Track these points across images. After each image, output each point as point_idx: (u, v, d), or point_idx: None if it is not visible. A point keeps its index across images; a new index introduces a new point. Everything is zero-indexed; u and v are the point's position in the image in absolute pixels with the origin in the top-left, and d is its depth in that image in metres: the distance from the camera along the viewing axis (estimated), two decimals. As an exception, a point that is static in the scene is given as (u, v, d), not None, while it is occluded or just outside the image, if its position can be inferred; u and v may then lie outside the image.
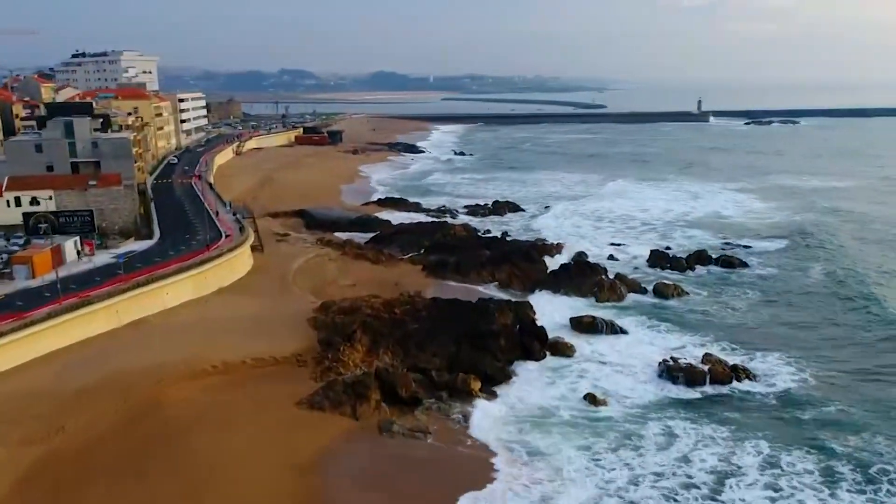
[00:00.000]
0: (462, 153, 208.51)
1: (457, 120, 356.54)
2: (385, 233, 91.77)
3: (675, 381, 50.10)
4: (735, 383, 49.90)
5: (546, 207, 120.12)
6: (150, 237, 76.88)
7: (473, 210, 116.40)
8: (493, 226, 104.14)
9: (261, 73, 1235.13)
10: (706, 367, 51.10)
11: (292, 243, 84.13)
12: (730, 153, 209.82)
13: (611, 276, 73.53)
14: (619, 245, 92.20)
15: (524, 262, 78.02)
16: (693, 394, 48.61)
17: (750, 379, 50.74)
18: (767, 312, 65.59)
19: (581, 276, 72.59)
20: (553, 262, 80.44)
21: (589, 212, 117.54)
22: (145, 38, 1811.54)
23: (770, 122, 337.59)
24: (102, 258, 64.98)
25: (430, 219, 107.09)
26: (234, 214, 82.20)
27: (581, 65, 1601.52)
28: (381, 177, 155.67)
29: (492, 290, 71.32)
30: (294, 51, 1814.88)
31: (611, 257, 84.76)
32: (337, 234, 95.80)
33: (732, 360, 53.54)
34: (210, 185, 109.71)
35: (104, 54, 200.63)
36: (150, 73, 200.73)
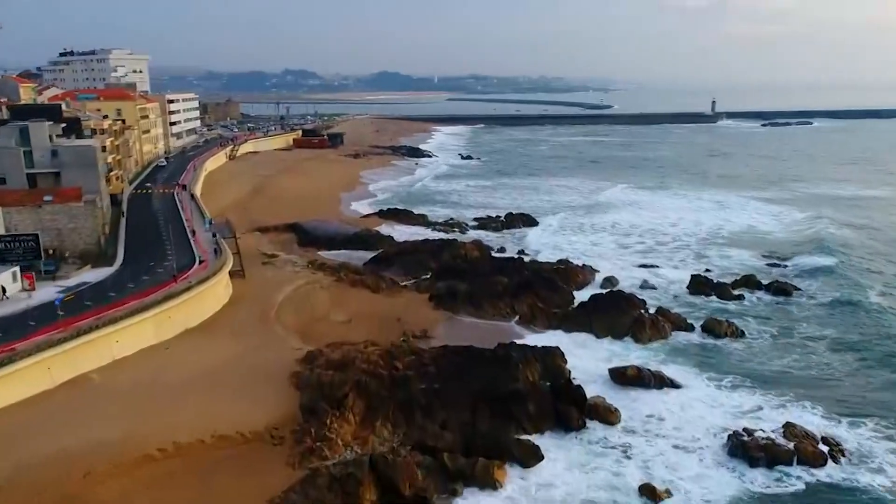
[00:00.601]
0: (469, 157, 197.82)
1: (462, 121, 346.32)
2: (387, 253, 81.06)
3: (752, 462, 39.24)
4: (830, 465, 39.13)
5: (563, 220, 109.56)
6: (113, 262, 66.24)
7: (484, 223, 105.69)
8: (507, 242, 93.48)
9: (264, 73, 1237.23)
10: (791, 444, 40.33)
11: (280, 266, 73.36)
12: (751, 157, 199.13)
13: (651, 310, 62.77)
14: (650, 267, 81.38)
15: (547, 290, 67.34)
16: (780, 484, 37.64)
17: (846, 457, 40.01)
18: (846, 359, 54.45)
19: (615, 309, 61.71)
20: (580, 291, 70.12)
21: (609, 224, 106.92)
22: (148, 38, 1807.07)
23: (787, 124, 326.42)
24: (47, 292, 54.22)
25: (437, 234, 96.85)
26: (214, 235, 71.35)
27: (585, 65, 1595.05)
28: (383, 184, 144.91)
29: (512, 328, 60.71)
30: (298, 51, 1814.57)
31: (644, 284, 73.89)
32: (333, 252, 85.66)
33: (816, 427, 42.82)
34: (192, 196, 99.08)
35: (92, 53, 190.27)
36: (140, 72, 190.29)
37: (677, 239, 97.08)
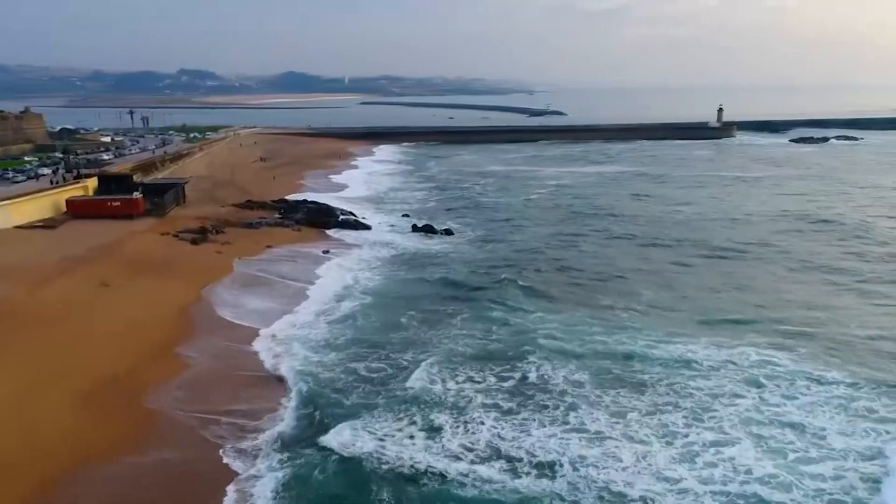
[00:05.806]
0: (428, 229, 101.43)
1: (389, 137, 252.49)
2: None
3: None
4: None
5: None
6: None
7: None
8: None
9: (157, 73, 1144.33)
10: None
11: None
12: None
13: None
14: None
15: None
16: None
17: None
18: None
19: None
20: None
21: None
22: (28, 35, 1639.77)
23: (824, 140, 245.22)
24: None
25: None
26: None
27: (502, 67, 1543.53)
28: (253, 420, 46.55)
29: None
30: (196, 50, 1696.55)
31: None
32: None
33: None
34: None
35: None
36: None
37: None
